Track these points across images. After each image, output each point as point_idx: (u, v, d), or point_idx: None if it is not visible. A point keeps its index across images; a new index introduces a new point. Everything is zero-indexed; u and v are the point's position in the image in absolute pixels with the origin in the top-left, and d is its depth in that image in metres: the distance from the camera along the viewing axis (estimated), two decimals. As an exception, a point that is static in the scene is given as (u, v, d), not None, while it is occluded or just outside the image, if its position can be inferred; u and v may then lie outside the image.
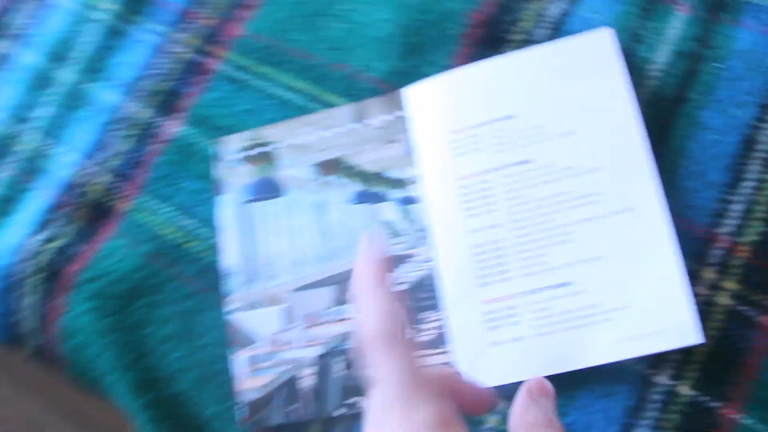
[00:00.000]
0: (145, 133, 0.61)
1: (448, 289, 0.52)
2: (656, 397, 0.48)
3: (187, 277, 0.56)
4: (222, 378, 0.53)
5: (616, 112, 0.53)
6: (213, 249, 0.56)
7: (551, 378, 0.48)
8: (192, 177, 0.59)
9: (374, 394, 0.36)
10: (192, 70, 0.62)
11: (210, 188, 0.58)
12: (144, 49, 0.64)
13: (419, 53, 0.58)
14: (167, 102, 0.62)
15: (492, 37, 0.58)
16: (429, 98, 0.56)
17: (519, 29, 0.58)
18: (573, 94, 0.54)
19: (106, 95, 0.63)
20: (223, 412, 0.53)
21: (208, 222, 0.57)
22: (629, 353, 0.48)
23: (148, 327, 0.55)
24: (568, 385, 0.49)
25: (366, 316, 0.39)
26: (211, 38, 0.63)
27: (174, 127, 0.61)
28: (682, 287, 0.48)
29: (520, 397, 0.40)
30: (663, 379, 0.48)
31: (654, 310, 0.48)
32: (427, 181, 0.55)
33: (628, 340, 0.48)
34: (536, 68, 0.55)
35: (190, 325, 0.55)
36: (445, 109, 0.55)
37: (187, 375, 0.54)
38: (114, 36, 0.66)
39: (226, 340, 0.54)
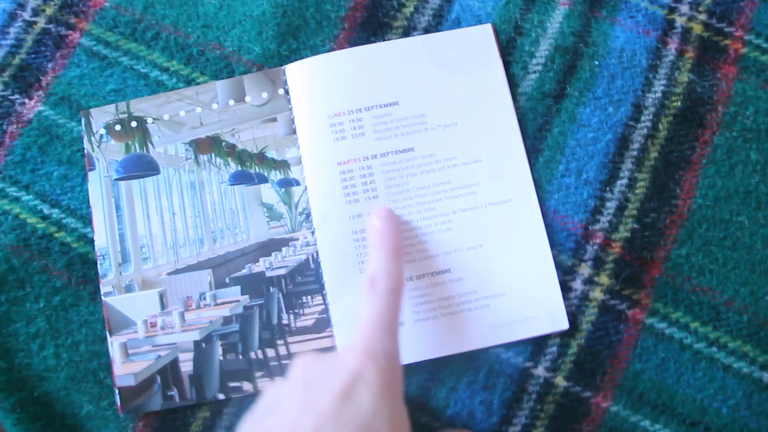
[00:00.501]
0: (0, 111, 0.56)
1: (329, 273, 0.52)
2: (533, 388, 0.50)
3: (56, 270, 0.52)
4: (98, 376, 0.51)
5: (495, 106, 0.54)
6: (83, 239, 0.53)
7: (434, 366, 0.50)
8: (56, 162, 0.54)
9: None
10: (49, 42, 0.57)
11: (77, 174, 0.54)
12: (-6, 15, 0.58)
13: (298, 36, 0.56)
14: (23, 77, 0.56)
15: (374, 22, 0.56)
16: (311, 78, 0.54)
17: (402, 15, 0.56)
18: (454, 87, 0.54)
19: (-50, 68, 0.57)
20: (99, 411, 0.51)
21: (77, 211, 0.53)
22: (504, 338, 0.50)
23: (13, 324, 0.52)
24: (450, 378, 0.50)
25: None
26: (70, 7, 0.58)
27: (34, 107, 0.55)
28: (552, 277, 0.51)
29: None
30: (540, 371, 0.50)
31: (527, 297, 0.50)
32: (308, 164, 0.53)
33: (504, 326, 0.50)
34: (419, 57, 0.55)
35: (61, 322, 0.52)
36: (327, 91, 0.54)
37: (58, 374, 0.51)
38: (-44, -1, 0.59)
39: (101, 335, 0.51)
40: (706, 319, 0.50)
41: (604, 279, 0.51)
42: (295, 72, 0.55)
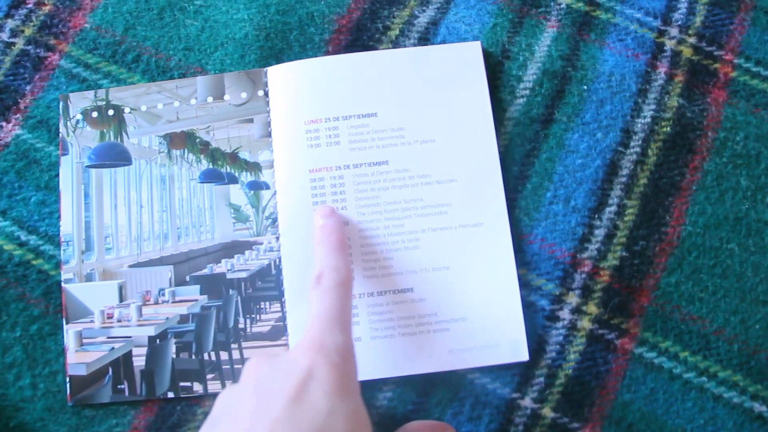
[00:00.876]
0: (-25, 135, 0.55)
1: (290, 281, 0.51)
2: (520, 419, 0.49)
3: (33, 298, 0.51)
4: (76, 407, 0.50)
5: (476, 127, 0.53)
6: (60, 268, 0.52)
7: (416, 399, 0.49)
8: (33, 187, 0.53)
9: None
10: (27, 64, 0.56)
11: (55, 200, 0.53)
12: (-30, 36, 0.57)
13: (281, 59, 0.55)
14: (1, 100, 0.55)
15: (359, 45, 0.55)
16: (291, 82, 0.54)
17: (387, 38, 0.56)
18: (436, 103, 0.53)
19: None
20: (77, 443, 0.50)
21: (55, 238, 0.52)
22: (463, 364, 0.49)
23: None
24: (436, 409, 0.49)
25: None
26: (49, 28, 0.57)
27: (11, 130, 0.54)
28: (517, 306, 0.50)
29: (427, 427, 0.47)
30: (527, 402, 0.49)
31: (489, 325, 0.50)
32: (279, 169, 0.53)
33: (463, 352, 0.49)
34: (403, 70, 0.54)
35: (38, 351, 0.50)
36: (306, 96, 0.53)
37: (35, 404, 0.50)
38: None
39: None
40: (695, 349, 0.49)
41: (592, 308, 0.50)
42: (277, 74, 0.54)
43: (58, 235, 0.52)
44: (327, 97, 0.53)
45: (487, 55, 0.55)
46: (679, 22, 0.55)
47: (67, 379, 0.50)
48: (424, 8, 0.56)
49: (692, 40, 0.55)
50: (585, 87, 0.53)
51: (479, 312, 0.50)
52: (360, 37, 0.56)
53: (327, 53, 0.55)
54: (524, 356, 0.49)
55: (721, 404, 0.48)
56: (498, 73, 0.54)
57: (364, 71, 0.54)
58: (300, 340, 0.41)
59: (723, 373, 0.49)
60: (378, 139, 0.53)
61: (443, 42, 0.55)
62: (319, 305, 0.42)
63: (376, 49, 0.55)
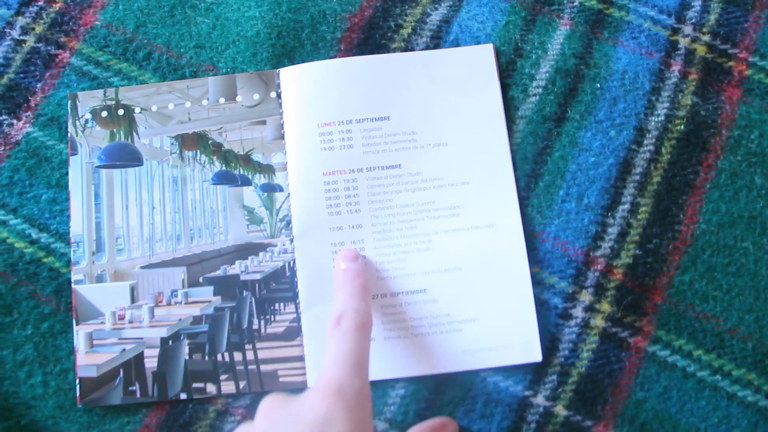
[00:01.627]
0: (-14, 132, 0.55)
1: (304, 282, 0.51)
2: (532, 417, 0.49)
3: (44, 296, 0.51)
4: (87, 406, 0.50)
5: (489, 130, 0.53)
6: (71, 268, 0.52)
7: (428, 397, 0.49)
8: (45, 185, 0.53)
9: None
10: (38, 61, 0.56)
11: (66, 198, 0.53)
12: (-19, 34, 0.57)
13: (293, 57, 0.55)
14: (11, 98, 0.55)
15: (371, 43, 0.55)
16: (304, 84, 0.54)
17: (399, 36, 0.55)
18: (448, 106, 0.53)
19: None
20: (89, 440, 0.50)
21: (66, 235, 0.52)
22: (475, 364, 0.49)
23: (0, 351, 0.50)
24: (448, 407, 0.49)
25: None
26: (60, 26, 0.56)
27: (22, 128, 0.54)
28: (530, 306, 0.50)
29: (429, 426, 0.47)
30: (539, 400, 0.49)
31: (502, 325, 0.50)
32: (293, 171, 0.53)
33: (475, 352, 0.49)
34: (416, 73, 0.54)
35: (49, 349, 0.50)
36: (319, 99, 0.53)
37: (46, 402, 0.50)
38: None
39: (90, 363, 0.50)
40: (709, 347, 0.49)
41: (605, 306, 0.50)
42: (290, 76, 0.54)
43: (69, 233, 0.52)
44: (340, 100, 0.53)
45: (500, 54, 0.55)
46: (693, 20, 0.55)
47: (77, 381, 0.50)
48: (436, 6, 0.56)
49: (706, 38, 0.54)
50: (598, 85, 0.53)
51: (492, 313, 0.50)
52: (372, 35, 0.55)
53: (339, 51, 0.55)
54: (537, 357, 0.49)
55: (735, 403, 0.48)
56: (510, 71, 0.54)
57: (376, 74, 0.54)
58: (317, 383, 0.41)
59: (737, 372, 0.49)
60: (391, 142, 0.53)
61: (456, 40, 0.55)
62: (337, 347, 0.42)
63: (388, 47, 0.55)
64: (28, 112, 0.55)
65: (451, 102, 0.53)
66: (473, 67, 0.54)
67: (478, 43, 0.55)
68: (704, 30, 0.55)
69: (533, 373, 0.49)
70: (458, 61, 0.54)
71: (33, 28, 0.56)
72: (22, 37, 0.56)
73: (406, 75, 0.54)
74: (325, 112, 0.53)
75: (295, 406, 0.39)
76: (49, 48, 0.56)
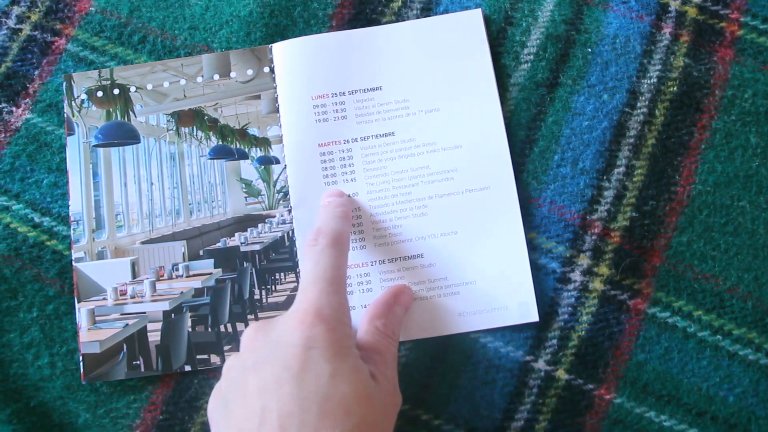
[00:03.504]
0: (-13, 120, 0.55)
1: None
2: (534, 382, 0.49)
3: (48, 278, 0.52)
4: (94, 384, 0.50)
5: (480, 93, 0.53)
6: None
7: (430, 364, 0.49)
8: (45, 169, 0.54)
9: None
10: (35, 49, 0.56)
11: (67, 182, 0.53)
12: (-22, 23, 0.58)
13: (286, 35, 0.55)
14: (9, 86, 0.55)
15: (362, 18, 0.55)
16: (296, 58, 0.54)
17: (390, 10, 0.56)
18: (439, 72, 0.54)
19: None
20: (96, 419, 0.50)
21: (67, 219, 0.53)
22: (473, 326, 0.50)
23: (7, 334, 0.51)
24: (450, 374, 0.49)
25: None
26: (55, 13, 0.57)
27: (21, 114, 0.55)
28: (525, 267, 0.50)
29: (383, 298, 0.48)
30: (540, 365, 0.49)
31: (498, 287, 0.50)
32: (289, 144, 0.53)
33: (473, 314, 0.50)
34: (406, 42, 0.54)
35: (55, 330, 0.51)
36: (312, 72, 0.54)
37: (54, 383, 0.50)
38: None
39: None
40: (709, 307, 0.49)
41: (603, 269, 0.50)
42: (282, 51, 0.54)
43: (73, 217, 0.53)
44: (332, 72, 0.54)
45: (490, 22, 0.55)
46: (684, -18, 0.55)
47: (81, 358, 0.50)
48: (426, -22, 0.56)
49: (697, -1, 0.55)
50: (589, 50, 0.53)
51: (488, 275, 0.50)
52: (363, 10, 0.56)
53: (331, 28, 0.55)
54: (534, 317, 0.49)
55: (736, 362, 0.48)
56: (501, 39, 0.54)
57: (367, 46, 0.54)
58: (296, 304, 0.41)
59: (737, 331, 0.49)
60: (384, 111, 0.53)
61: (445, 11, 0.55)
62: (314, 265, 0.43)
63: (379, 21, 0.55)
64: (27, 99, 0.55)
65: (441, 68, 0.54)
66: (462, 33, 0.54)
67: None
68: (695, -9, 0.55)
69: (533, 338, 0.49)
70: (447, 27, 0.54)
71: (29, 17, 0.57)
72: (18, 26, 0.57)
73: (396, 45, 0.54)
74: (318, 85, 0.53)
75: (277, 332, 0.40)
76: (45, 35, 0.56)
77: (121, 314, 0.51)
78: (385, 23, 0.55)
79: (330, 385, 0.37)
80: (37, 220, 0.53)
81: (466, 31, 0.54)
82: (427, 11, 0.55)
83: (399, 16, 0.55)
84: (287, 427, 0.36)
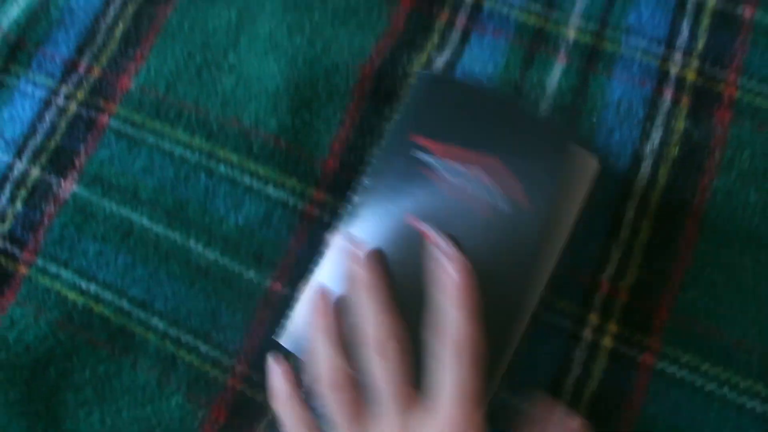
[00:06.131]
0: (37, 193, 0.59)
1: None
2: (549, 438, 0.51)
3: (99, 342, 0.55)
4: (141, 440, 0.54)
5: None
6: (120, 312, 0.56)
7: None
8: (91, 238, 0.58)
9: None
10: (81, 125, 0.61)
11: (111, 249, 0.57)
12: (30, 103, 0.62)
13: (311, 108, 0.59)
14: (58, 160, 0.60)
15: (382, 91, 0.59)
16: None
17: (407, 84, 0.59)
18: None
19: (-9, 153, 0.61)
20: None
21: (113, 285, 0.57)
22: None
23: (63, 394, 0.55)
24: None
25: None
26: (99, 91, 0.61)
27: (69, 187, 0.59)
28: None
29: None
30: (556, 418, 0.52)
31: None
32: None
33: None
34: None
35: (106, 390, 0.55)
36: None
37: (105, 439, 0.54)
38: (-4, 89, 0.63)
39: (140, 401, 0.54)
40: (715, 361, 0.51)
41: (612, 326, 0.52)
42: None
43: (115, 282, 0.56)
44: None
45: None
46: (683, 47, 0.58)
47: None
48: (440, 51, 0.60)
49: (695, 64, 0.57)
50: (594, 118, 0.56)
51: None
52: (381, 84, 0.59)
53: (353, 100, 0.59)
54: None
55: (744, 413, 0.50)
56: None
57: None
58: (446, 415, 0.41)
59: (744, 383, 0.51)
60: None
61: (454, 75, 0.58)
62: (461, 380, 0.42)
63: (397, 94, 0.59)
64: (74, 173, 0.59)
65: None
66: None
67: (481, 85, 0.58)
68: (693, 56, 0.57)
69: (547, 395, 0.52)
70: None
71: (75, 95, 0.62)
72: (65, 104, 0.61)
73: None
74: None
75: None
76: (90, 112, 0.61)
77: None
78: (402, 96, 0.59)
79: None
80: (84, 287, 0.57)
81: None
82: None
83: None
84: None
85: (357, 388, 0.45)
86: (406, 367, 0.44)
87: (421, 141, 0.49)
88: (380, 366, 0.44)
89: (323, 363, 0.46)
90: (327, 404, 0.45)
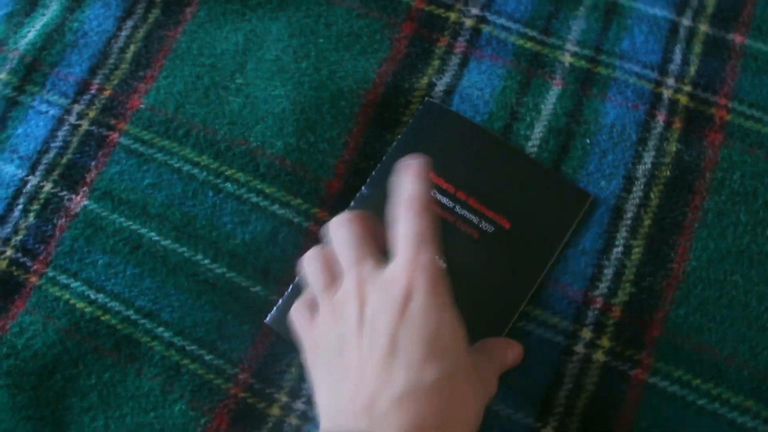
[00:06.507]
0: (50, 207, 0.61)
1: None
2: (542, 449, 0.52)
3: (105, 350, 0.57)
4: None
5: None
6: (127, 321, 0.57)
7: None
8: (100, 251, 0.59)
9: None
10: (92, 142, 0.63)
11: (120, 261, 0.59)
12: (44, 120, 0.64)
13: (316, 130, 0.61)
14: (70, 175, 0.62)
15: (385, 116, 0.61)
16: None
17: (409, 111, 0.61)
18: None
19: (6, 168, 0.63)
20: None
21: (120, 296, 0.58)
22: None
23: (68, 399, 0.56)
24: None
25: None
26: (110, 110, 0.63)
27: (80, 201, 0.61)
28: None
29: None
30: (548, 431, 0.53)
31: None
32: None
33: None
34: None
35: (111, 396, 0.56)
36: None
37: (109, 446, 0.55)
38: (12, 107, 0.65)
39: (144, 408, 0.55)
40: (707, 376, 0.52)
41: (605, 342, 0.54)
42: None
43: (122, 292, 0.58)
44: None
45: (497, 119, 0.59)
46: (675, 73, 0.59)
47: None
48: (441, 75, 0.62)
49: (688, 88, 0.59)
50: (588, 141, 0.58)
51: None
52: (385, 110, 0.61)
53: (357, 124, 0.61)
54: None
55: (735, 429, 0.51)
56: (507, 134, 0.59)
57: None
58: (398, 258, 0.45)
59: (735, 399, 0.52)
60: None
61: (457, 111, 0.60)
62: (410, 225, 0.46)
63: (400, 120, 0.61)
64: (85, 188, 0.61)
65: None
66: None
67: (477, 110, 0.60)
68: (685, 81, 0.59)
69: (541, 405, 0.53)
70: None
71: (87, 114, 0.63)
72: (78, 122, 0.63)
73: None
74: None
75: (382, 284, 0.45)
76: (101, 130, 0.63)
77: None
78: (405, 121, 0.61)
79: (435, 326, 0.43)
80: (92, 297, 0.58)
81: None
82: (442, 108, 0.61)
83: (418, 116, 0.61)
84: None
85: (331, 259, 0.50)
86: (365, 231, 0.49)
87: None
88: (339, 234, 0.50)
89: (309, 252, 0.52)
90: (306, 276, 0.51)
